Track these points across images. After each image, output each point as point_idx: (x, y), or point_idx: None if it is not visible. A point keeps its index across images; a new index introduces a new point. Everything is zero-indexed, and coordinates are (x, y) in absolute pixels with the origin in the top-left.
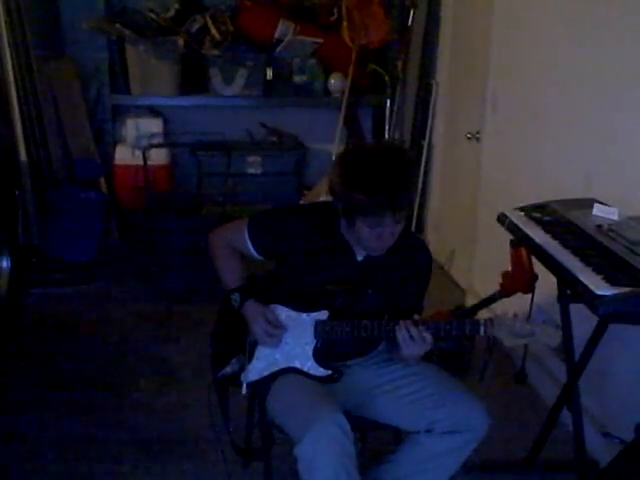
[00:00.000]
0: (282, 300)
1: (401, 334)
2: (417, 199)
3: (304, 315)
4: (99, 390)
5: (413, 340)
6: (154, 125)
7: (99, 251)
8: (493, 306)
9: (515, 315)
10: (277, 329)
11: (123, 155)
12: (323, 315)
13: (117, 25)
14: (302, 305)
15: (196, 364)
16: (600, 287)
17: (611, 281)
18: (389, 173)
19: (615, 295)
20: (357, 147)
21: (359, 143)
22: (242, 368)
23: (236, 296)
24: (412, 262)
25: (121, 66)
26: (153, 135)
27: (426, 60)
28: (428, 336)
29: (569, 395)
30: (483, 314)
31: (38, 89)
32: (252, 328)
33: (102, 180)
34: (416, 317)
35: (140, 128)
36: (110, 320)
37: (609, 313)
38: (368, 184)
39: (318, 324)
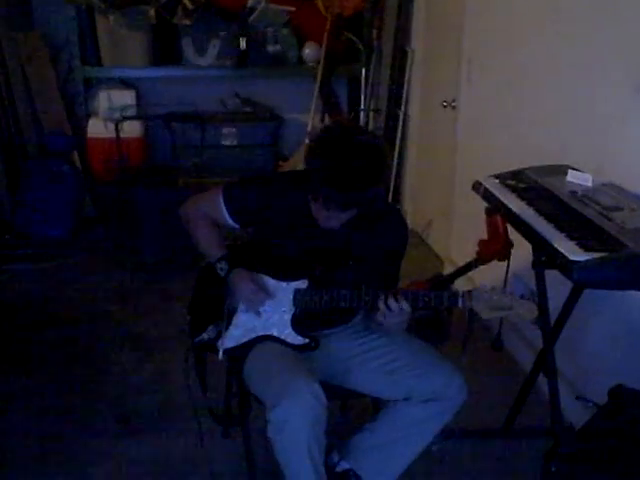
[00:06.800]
0: (261, 269)
1: (381, 305)
2: (394, 169)
3: (284, 284)
4: (77, 365)
5: (392, 311)
6: (127, 97)
7: (73, 226)
8: (472, 274)
9: (494, 288)
10: (262, 292)
11: (96, 128)
12: (303, 284)
13: None
14: (281, 274)
15: (173, 337)
16: (574, 253)
17: (585, 247)
18: (363, 175)
19: (589, 261)
20: (337, 133)
21: (340, 125)
22: (219, 335)
23: (223, 264)
24: (389, 235)
25: (91, 37)
26: (126, 107)
27: (401, 28)
28: (407, 307)
29: (545, 361)
30: (464, 285)
31: (7, 63)
32: (238, 292)
33: (75, 153)
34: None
35: (112, 100)
36: (86, 294)
37: (583, 279)
38: (340, 182)
39: (297, 292)
